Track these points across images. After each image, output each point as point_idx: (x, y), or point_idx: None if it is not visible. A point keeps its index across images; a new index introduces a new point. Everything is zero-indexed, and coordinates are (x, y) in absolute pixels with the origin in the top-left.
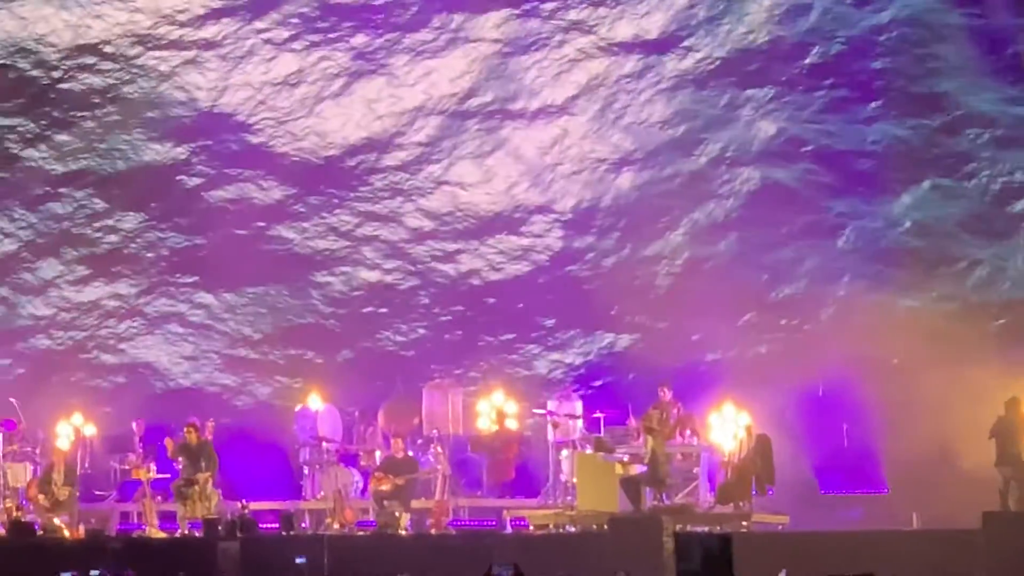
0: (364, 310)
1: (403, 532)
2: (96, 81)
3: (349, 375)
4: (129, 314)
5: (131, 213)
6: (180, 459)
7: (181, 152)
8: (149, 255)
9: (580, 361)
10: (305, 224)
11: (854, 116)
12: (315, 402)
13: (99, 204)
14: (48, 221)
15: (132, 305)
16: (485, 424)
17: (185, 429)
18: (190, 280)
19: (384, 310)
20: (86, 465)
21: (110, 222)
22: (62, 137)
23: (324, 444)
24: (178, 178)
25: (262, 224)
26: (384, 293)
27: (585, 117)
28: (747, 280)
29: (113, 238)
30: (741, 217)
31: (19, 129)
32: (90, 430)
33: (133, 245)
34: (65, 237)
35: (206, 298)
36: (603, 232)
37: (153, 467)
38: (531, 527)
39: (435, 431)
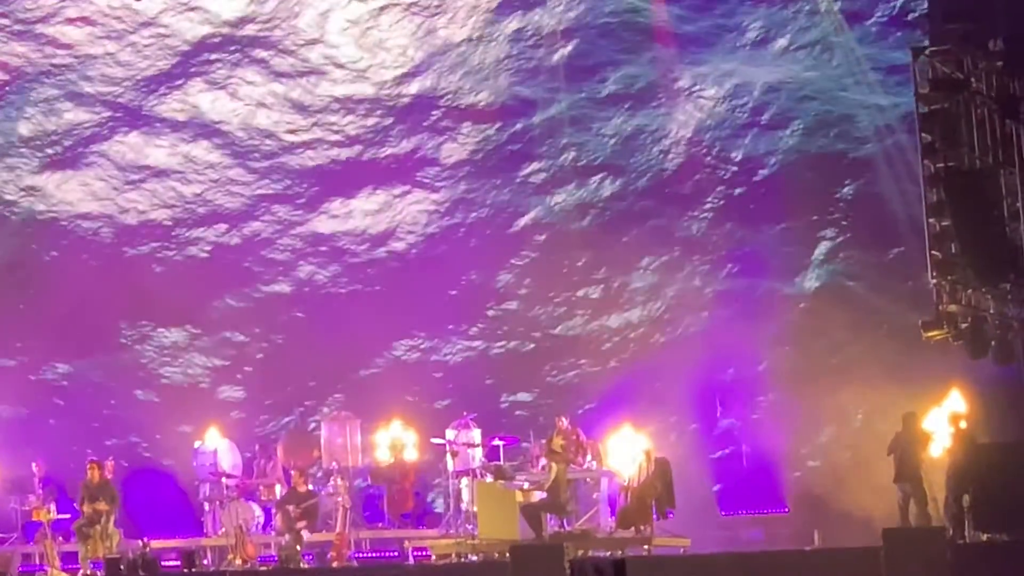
0: None
1: (304, 566)
2: None
3: None
4: None
5: None
6: (81, 497)
7: None
8: None
9: None
10: None
11: None
12: (213, 438)
13: None
14: None
15: None
16: (384, 455)
17: (88, 467)
18: None
19: None
20: None
21: None
22: None
23: (224, 480)
24: None
25: None
26: None
27: None
28: None
29: None
30: None
31: None
32: None
33: None
34: None
35: None
36: None
37: (53, 508)
38: (433, 557)
39: (334, 463)
